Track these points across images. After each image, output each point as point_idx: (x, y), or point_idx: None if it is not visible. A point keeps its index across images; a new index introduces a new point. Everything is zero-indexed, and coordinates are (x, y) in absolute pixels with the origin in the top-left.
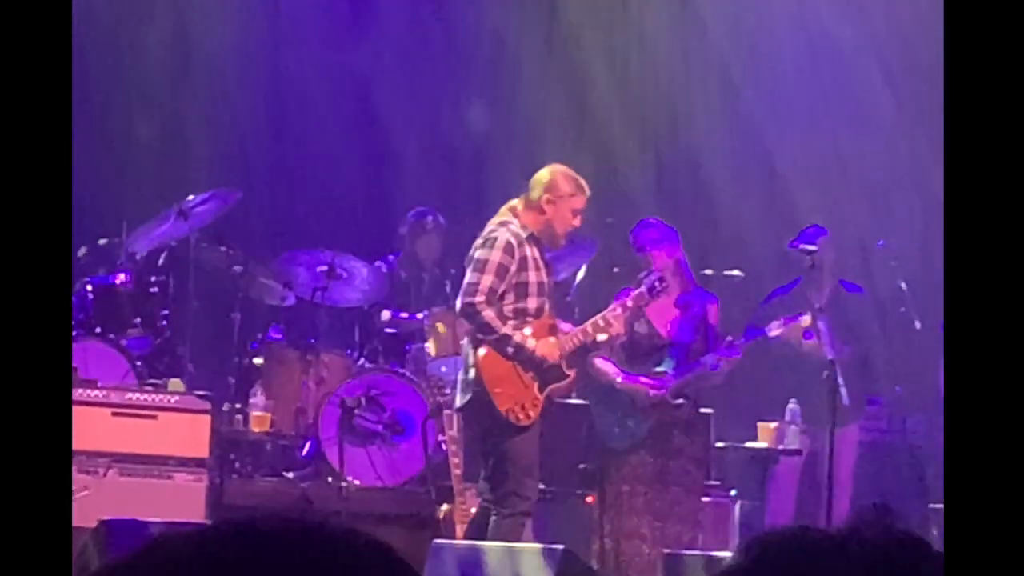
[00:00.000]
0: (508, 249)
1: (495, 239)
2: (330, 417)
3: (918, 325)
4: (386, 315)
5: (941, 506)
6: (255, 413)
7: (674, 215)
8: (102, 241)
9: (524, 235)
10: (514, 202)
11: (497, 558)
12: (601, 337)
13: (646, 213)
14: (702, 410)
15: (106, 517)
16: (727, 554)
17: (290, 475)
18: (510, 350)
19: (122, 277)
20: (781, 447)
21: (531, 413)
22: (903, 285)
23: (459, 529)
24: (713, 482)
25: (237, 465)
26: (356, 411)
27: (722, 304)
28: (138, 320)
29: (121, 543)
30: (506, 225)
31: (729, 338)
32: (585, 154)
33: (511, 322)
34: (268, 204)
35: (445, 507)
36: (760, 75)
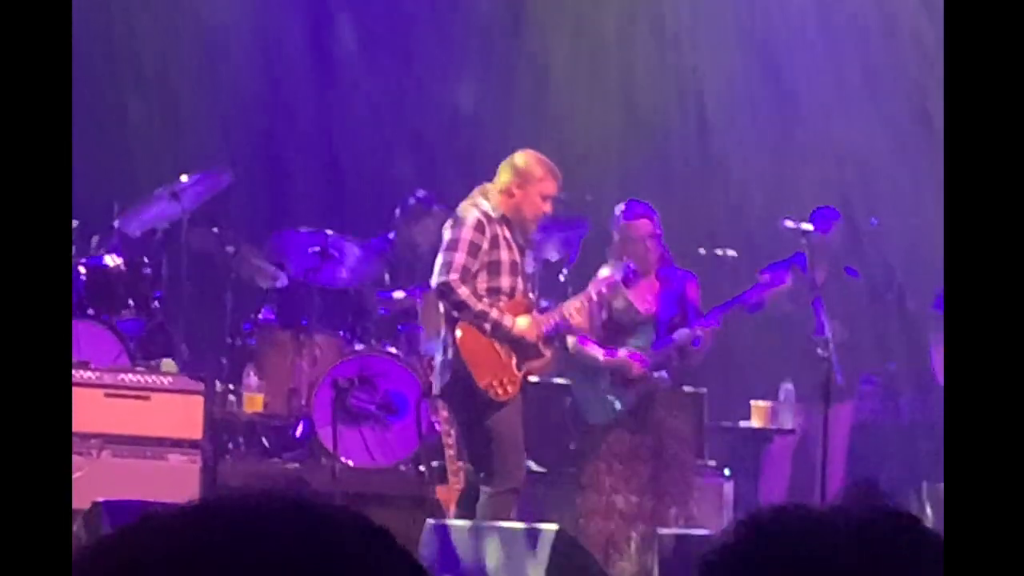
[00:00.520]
0: (479, 227)
1: (465, 219)
2: (323, 398)
3: (911, 304)
4: (379, 295)
5: (934, 484)
6: (248, 394)
7: (668, 195)
8: (94, 239)
9: (494, 215)
10: (485, 185)
11: (491, 538)
12: (577, 319)
13: (640, 193)
14: (696, 389)
15: (100, 498)
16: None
17: (284, 456)
18: (487, 327)
19: (114, 258)
20: (775, 426)
21: (509, 388)
22: (894, 263)
23: (453, 509)
24: (708, 462)
25: (230, 446)
26: (349, 392)
27: (716, 283)
28: (131, 301)
29: (115, 524)
30: (476, 205)
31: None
32: (580, 134)
33: (485, 300)
34: (260, 185)
35: (442, 488)
36: (755, 54)
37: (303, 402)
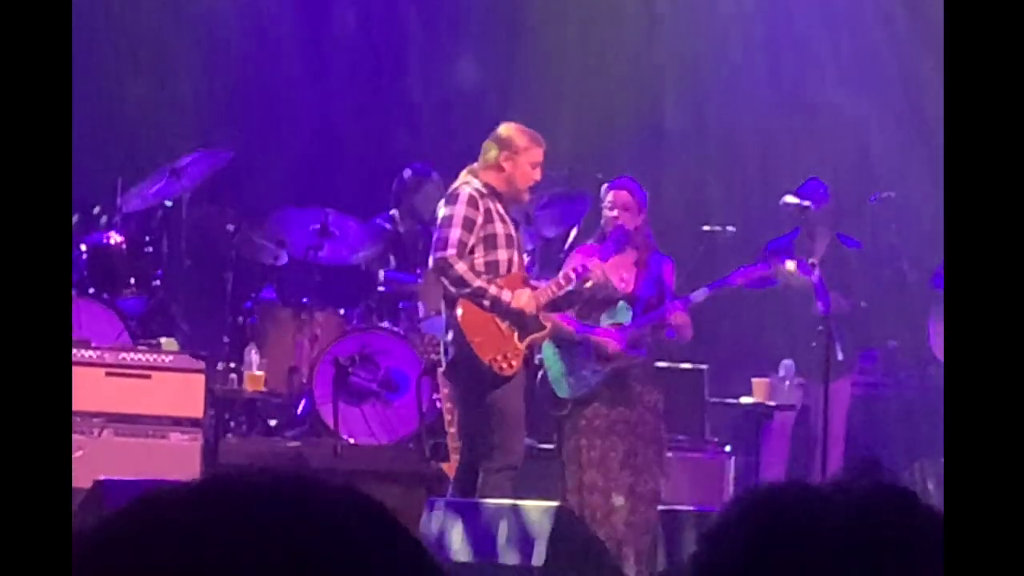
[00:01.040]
0: (472, 202)
1: (457, 195)
2: (324, 376)
3: (910, 278)
4: (382, 275)
5: (934, 460)
6: (249, 372)
7: (667, 171)
8: (96, 209)
9: (486, 191)
10: (472, 165)
11: (491, 514)
12: (588, 284)
13: (639, 169)
14: (696, 366)
15: (101, 477)
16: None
17: (285, 434)
18: (486, 303)
19: (115, 237)
20: (775, 402)
21: (513, 363)
22: (895, 238)
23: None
24: (708, 438)
25: (232, 424)
26: (350, 369)
27: (716, 260)
28: (132, 280)
29: (116, 503)
30: (467, 183)
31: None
32: (578, 111)
33: (483, 275)
34: (261, 163)
35: (444, 466)
36: (754, 28)
37: (304, 380)
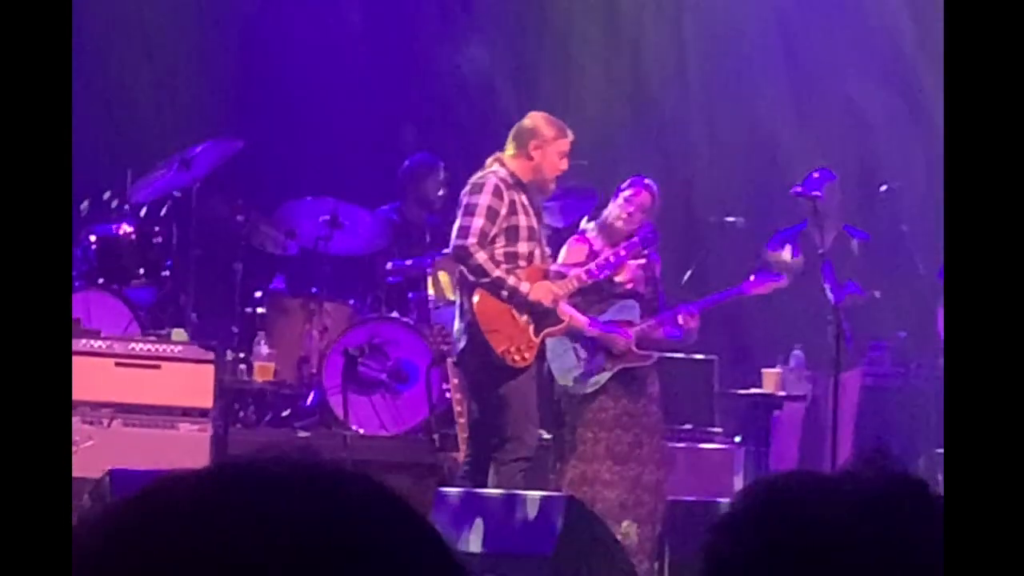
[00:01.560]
0: (497, 192)
1: (483, 184)
2: (334, 366)
3: (921, 269)
4: (389, 266)
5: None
6: (259, 363)
7: (674, 162)
8: (106, 194)
9: (512, 181)
10: (499, 153)
11: (500, 505)
12: (619, 278)
13: (647, 161)
14: (706, 356)
15: (110, 467)
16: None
17: (294, 424)
18: (504, 293)
19: (125, 227)
20: (785, 393)
21: (527, 355)
22: (905, 229)
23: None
24: (717, 428)
25: (241, 415)
26: (360, 360)
27: (723, 251)
28: (141, 270)
29: (125, 494)
30: (494, 172)
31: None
32: (586, 100)
33: (503, 265)
34: (270, 153)
35: (454, 456)
36: (762, 18)
37: (313, 370)
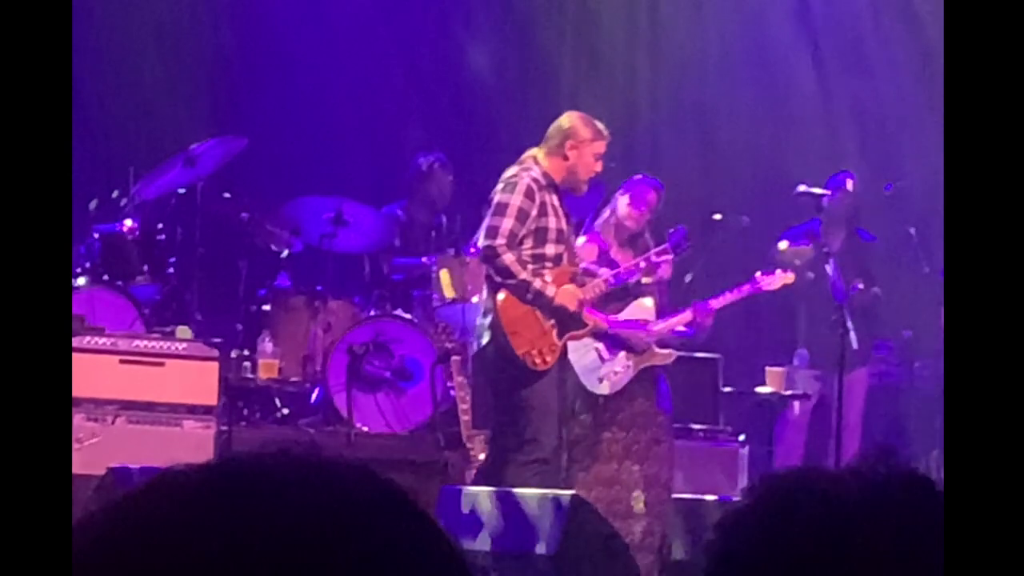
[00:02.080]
0: (529, 193)
1: (515, 183)
2: (338, 364)
3: (927, 269)
4: (392, 263)
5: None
6: (263, 360)
7: (681, 161)
8: (115, 193)
9: (545, 181)
10: (533, 150)
11: (505, 503)
12: (646, 280)
13: (654, 159)
14: (710, 355)
15: (114, 464)
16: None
17: (299, 422)
18: (529, 296)
19: (129, 225)
20: (790, 392)
21: (548, 359)
22: (912, 230)
23: (468, 475)
24: (721, 427)
25: (245, 412)
26: (364, 358)
27: (730, 249)
28: (145, 268)
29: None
30: (527, 170)
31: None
32: (592, 98)
33: (530, 266)
34: (275, 151)
35: (457, 454)
36: (770, 19)
37: (318, 368)
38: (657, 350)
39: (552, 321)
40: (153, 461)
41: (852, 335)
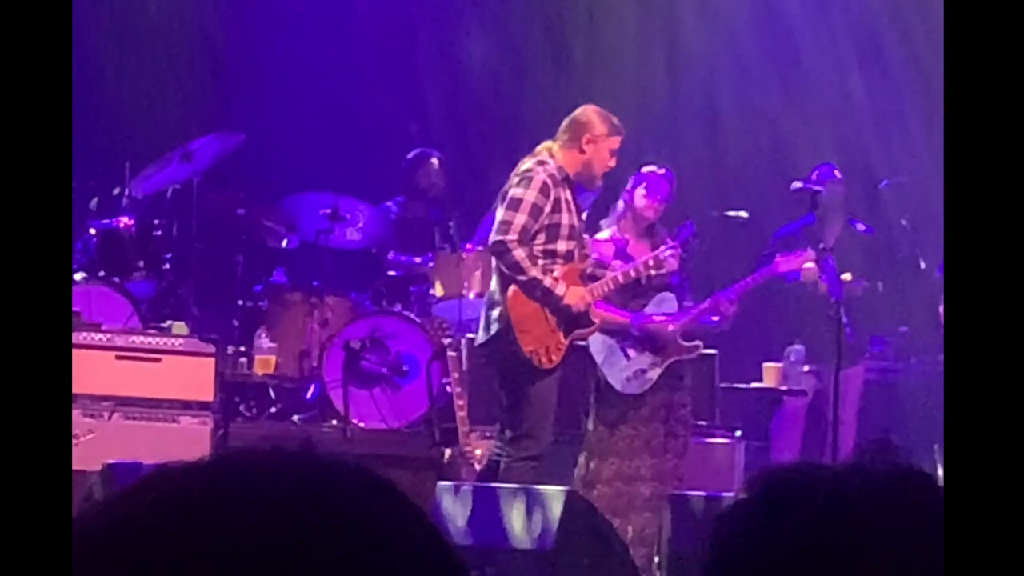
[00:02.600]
0: (544, 190)
1: (531, 178)
2: (334, 360)
3: (923, 264)
4: (390, 257)
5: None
6: (259, 356)
7: (678, 156)
8: (116, 190)
9: (560, 176)
10: (548, 143)
11: (502, 499)
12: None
13: (650, 153)
14: (707, 351)
15: (111, 461)
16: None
17: (295, 418)
18: (538, 293)
19: (125, 221)
20: (786, 387)
21: (554, 358)
22: (905, 223)
23: (464, 471)
24: (719, 423)
25: (242, 408)
26: (360, 353)
27: (727, 245)
28: (142, 263)
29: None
30: (543, 164)
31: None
32: (591, 93)
33: (540, 262)
34: (271, 146)
35: (449, 451)
36: (766, 14)
37: (314, 364)
38: (682, 343)
39: (560, 319)
40: (149, 457)
41: (848, 330)
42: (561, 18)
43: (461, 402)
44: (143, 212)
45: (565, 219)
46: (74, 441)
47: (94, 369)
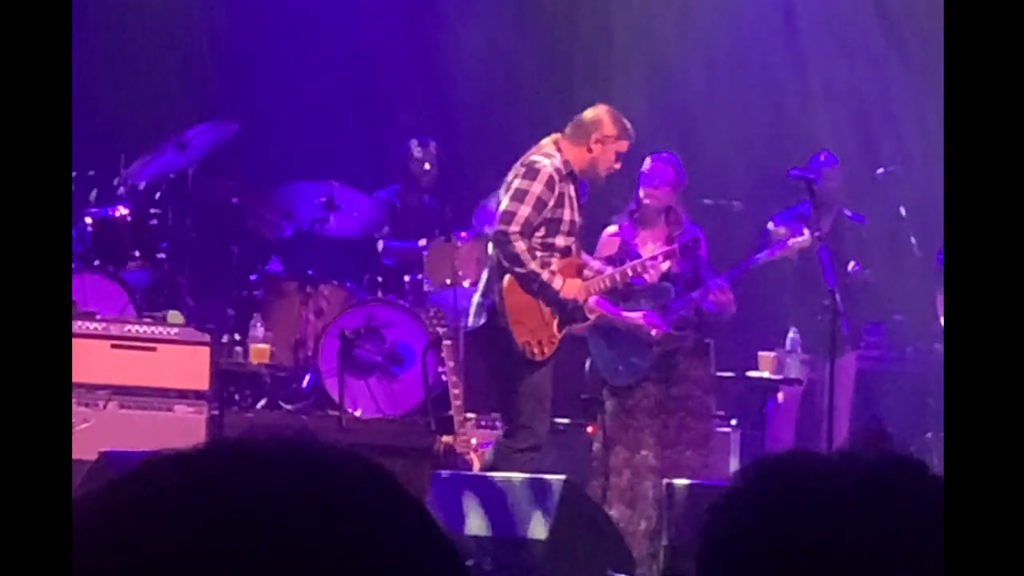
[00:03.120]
0: (550, 183)
1: (538, 171)
2: (330, 349)
3: (918, 253)
4: (381, 245)
5: (940, 433)
6: (255, 345)
7: (673, 145)
8: (116, 180)
9: (565, 171)
10: (557, 136)
11: (497, 488)
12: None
13: (646, 144)
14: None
15: (106, 449)
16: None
17: (290, 407)
18: (535, 287)
19: (121, 210)
20: (781, 376)
21: (546, 350)
22: (903, 211)
23: (460, 459)
24: (714, 412)
25: (237, 397)
26: (356, 342)
27: (721, 234)
28: (137, 253)
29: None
30: (549, 158)
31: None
32: (584, 83)
33: (538, 254)
34: (267, 135)
35: (447, 439)
36: (760, 3)
37: (309, 353)
38: (673, 332)
39: (554, 312)
40: (145, 446)
41: (843, 319)
42: (558, 6)
43: (457, 391)
44: (138, 201)
45: (567, 215)
46: None
47: (89, 358)
